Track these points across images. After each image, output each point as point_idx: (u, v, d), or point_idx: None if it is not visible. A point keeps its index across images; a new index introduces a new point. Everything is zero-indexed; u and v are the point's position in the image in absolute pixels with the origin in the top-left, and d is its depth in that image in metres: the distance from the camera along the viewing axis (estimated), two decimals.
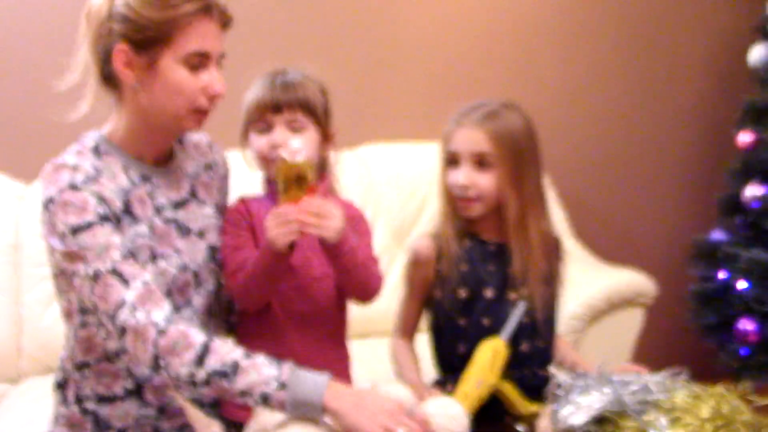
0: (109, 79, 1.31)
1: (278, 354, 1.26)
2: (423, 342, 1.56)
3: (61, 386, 1.42)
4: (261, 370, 1.20)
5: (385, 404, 1.19)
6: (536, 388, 1.43)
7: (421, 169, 2.59)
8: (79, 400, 1.39)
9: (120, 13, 1.25)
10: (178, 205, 1.41)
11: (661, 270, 2.59)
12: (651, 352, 2.32)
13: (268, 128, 1.44)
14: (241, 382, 1.19)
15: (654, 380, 1.19)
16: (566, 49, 3.00)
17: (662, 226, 3.15)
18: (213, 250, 1.45)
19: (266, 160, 1.45)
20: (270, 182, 1.48)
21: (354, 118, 2.52)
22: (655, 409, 1.11)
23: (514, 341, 1.39)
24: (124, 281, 1.22)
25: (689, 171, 3.18)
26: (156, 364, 1.21)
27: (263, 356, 1.22)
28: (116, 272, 1.22)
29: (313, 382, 1.20)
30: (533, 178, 1.47)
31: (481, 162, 1.44)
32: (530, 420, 1.33)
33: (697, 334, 2.67)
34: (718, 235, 2.67)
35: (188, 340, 1.20)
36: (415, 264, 1.53)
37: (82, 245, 1.23)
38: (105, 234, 1.24)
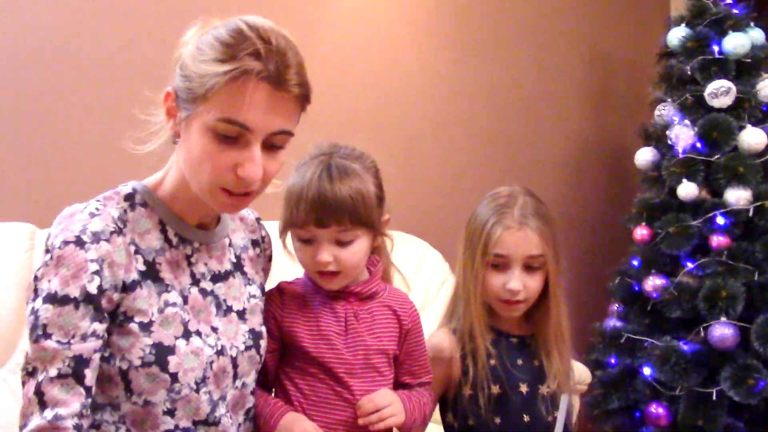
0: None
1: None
2: None
3: None
4: None
5: None
6: None
7: None
8: None
9: (181, 55, 1.11)
10: (219, 277, 1.22)
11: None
12: None
13: (311, 240, 1.27)
14: None
15: None
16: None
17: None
18: (256, 337, 1.25)
19: (311, 271, 1.31)
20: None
21: None
22: None
23: None
24: (42, 404, 1.03)
25: (586, 262, 3.40)
26: None
27: None
28: (40, 392, 1.03)
29: None
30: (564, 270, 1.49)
31: (532, 264, 1.42)
32: None
33: (600, 418, 2.80)
34: (615, 322, 2.84)
35: None
36: (436, 360, 1.46)
37: (43, 323, 1.03)
38: (74, 321, 1.04)
